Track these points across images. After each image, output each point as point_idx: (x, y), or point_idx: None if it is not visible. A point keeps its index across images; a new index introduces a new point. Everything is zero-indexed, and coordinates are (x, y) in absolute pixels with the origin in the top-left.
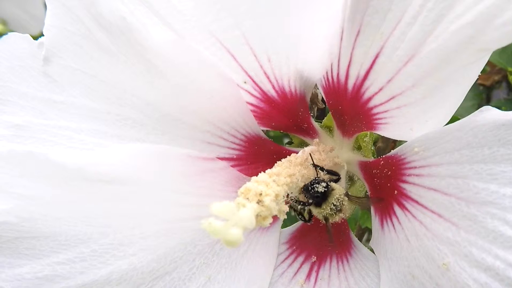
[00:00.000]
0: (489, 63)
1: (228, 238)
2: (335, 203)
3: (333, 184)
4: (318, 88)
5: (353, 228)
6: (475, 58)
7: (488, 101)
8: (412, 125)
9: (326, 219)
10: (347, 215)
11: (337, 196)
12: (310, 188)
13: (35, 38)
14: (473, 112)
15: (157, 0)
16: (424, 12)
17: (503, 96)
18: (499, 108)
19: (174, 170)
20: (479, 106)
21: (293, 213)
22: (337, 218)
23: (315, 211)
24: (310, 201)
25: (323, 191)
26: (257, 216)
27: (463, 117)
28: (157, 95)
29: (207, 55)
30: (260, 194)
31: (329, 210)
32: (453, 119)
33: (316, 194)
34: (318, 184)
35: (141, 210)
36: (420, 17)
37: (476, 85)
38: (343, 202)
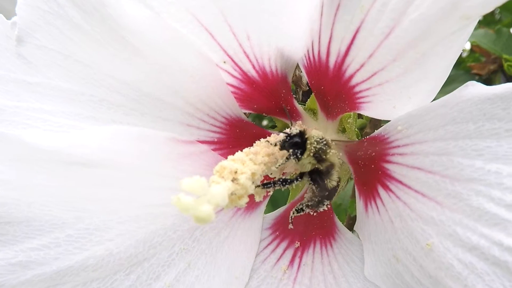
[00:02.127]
0: (484, 52)
1: (198, 214)
2: (317, 139)
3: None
4: (302, 71)
5: (343, 219)
6: (458, 27)
7: None
8: (395, 103)
9: (320, 160)
10: (337, 165)
11: (315, 135)
12: (286, 139)
13: None
14: None
15: None
16: None
17: None
18: None
19: (154, 153)
20: None
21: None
22: (332, 156)
23: (303, 161)
24: (291, 152)
25: (298, 132)
26: (232, 194)
27: None
28: (135, 74)
29: (185, 33)
30: (235, 172)
31: (316, 144)
32: None
33: (294, 140)
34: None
35: (119, 194)
36: None
37: (471, 76)
38: (325, 138)
